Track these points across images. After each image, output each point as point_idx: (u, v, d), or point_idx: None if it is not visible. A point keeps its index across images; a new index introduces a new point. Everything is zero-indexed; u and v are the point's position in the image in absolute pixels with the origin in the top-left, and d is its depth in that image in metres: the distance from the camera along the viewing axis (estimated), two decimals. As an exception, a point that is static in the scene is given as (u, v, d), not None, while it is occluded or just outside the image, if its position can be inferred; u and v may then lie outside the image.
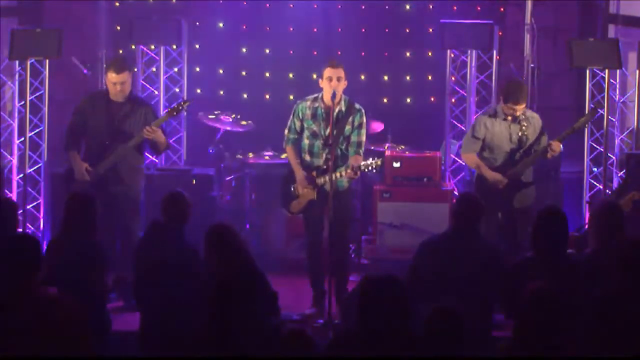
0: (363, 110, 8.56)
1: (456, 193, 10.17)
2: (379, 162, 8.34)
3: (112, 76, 8.76)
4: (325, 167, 8.44)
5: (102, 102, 8.86)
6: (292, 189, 8.58)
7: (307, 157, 8.56)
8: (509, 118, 8.65)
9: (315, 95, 8.54)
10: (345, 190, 8.56)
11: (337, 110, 8.41)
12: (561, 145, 8.61)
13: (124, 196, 8.82)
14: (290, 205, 8.64)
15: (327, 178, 8.34)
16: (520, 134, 8.64)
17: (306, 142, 8.55)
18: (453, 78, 10.93)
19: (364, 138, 8.56)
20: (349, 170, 8.29)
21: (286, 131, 8.65)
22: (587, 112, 9.55)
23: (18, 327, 5.21)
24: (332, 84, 8.33)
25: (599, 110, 9.70)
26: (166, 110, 9.16)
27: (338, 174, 8.34)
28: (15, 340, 5.18)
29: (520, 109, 8.61)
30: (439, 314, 5.23)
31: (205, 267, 6.88)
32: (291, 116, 8.60)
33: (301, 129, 8.56)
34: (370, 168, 8.32)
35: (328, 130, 8.37)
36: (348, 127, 8.47)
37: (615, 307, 5.87)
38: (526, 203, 8.72)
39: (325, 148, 8.46)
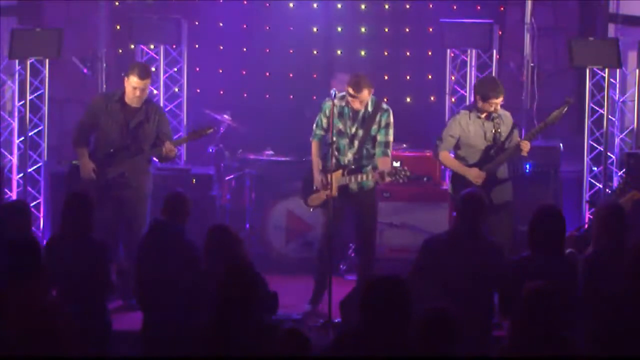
0: (390, 110, 8.58)
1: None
2: (408, 173, 8.31)
3: (134, 80, 8.64)
4: (354, 167, 8.48)
5: (117, 105, 8.75)
6: (314, 184, 8.61)
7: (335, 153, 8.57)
8: (483, 116, 8.66)
9: (343, 93, 8.53)
10: (371, 189, 8.58)
11: (363, 110, 8.45)
12: (529, 144, 8.62)
13: (131, 200, 8.75)
14: (309, 198, 8.68)
15: (352, 178, 8.40)
16: (494, 131, 8.66)
17: (333, 138, 8.51)
18: (453, 77, 10.93)
19: (391, 138, 8.58)
20: (376, 175, 8.30)
21: (314, 126, 8.68)
22: (558, 107, 9.51)
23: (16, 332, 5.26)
24: (355, 106, 8.41)
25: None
26: (188, 133, 9.01)
27: (364, 176, 8.38)
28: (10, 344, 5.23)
29: (499, 102, 8.63)
30: (431, 314, 5.20)
31: (205, 268, 6.89)
32: (320, 113, 8.61)
33: (328, 126, 8.52)
34: (398, 177, 8.28)
35: (354, 129, 8.45)
36: (374, 127, 8.49)
37: (619, 307, 5.88)
38: (504, 198, 8.67)
39: (352, 146, 8.49)
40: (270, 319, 6.68)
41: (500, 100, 8.61)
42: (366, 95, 8.38)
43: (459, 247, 6.84)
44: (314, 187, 8.61)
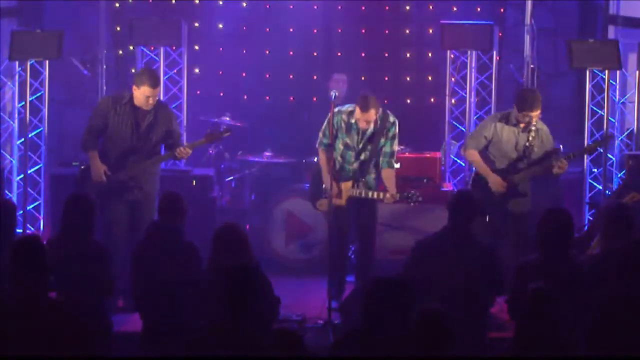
0: (397, 122, 8.67)
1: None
2: (420, 198, 8.47)
3: (146, 90, 8.55)
4: (362, 179, 8.58)
5: (127, 108, 8.67)
6: (323, 189, 8.65)
7: (339, 158, 8.64)
8: (521, 125, 8.60)
9: (351, 109, 8.58)
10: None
11: (372, 126, 8.54)
12: (566, 164, 8.53)
13: (141, 202, 8.72)
14: (319, 202, 8.76)
15: (363, 193, 8.51)
16: (527, 143, 8.59)
17: (340, 147, 8.64)
18: (453, 79, 10.94)
19: (396, 148, 8.73)
20: (388, 196, 8.45)
21: (321, 134, 8.73)
22: (602, 137, 9.53)
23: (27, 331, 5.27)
24: (362, 125, 8.48)
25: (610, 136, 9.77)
26: (205, 135, 8.94)
27: (376, 194, 8.50)
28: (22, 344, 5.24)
29: (535, 115, 8.54)
30: (426, 315, 5.20)
31: (210, 267, 6.87)
32: (326, 122, 8.61)
33: (335, 136, 8.61)
34: (410, 201, 8.48)
35: (361, 145, 8.55)
36: (382, 140, 8.61)
37: (623, 308, 5.88)
38: (522, 208, 8.63)
39: (358, 158, 8.59)
40: (270, 322, 6.66)
41: (535, 113, 8.51)
42: (372, 114, 8.46)
43: (448, 247, 6.85)
44: (324, 194, 8.63)
